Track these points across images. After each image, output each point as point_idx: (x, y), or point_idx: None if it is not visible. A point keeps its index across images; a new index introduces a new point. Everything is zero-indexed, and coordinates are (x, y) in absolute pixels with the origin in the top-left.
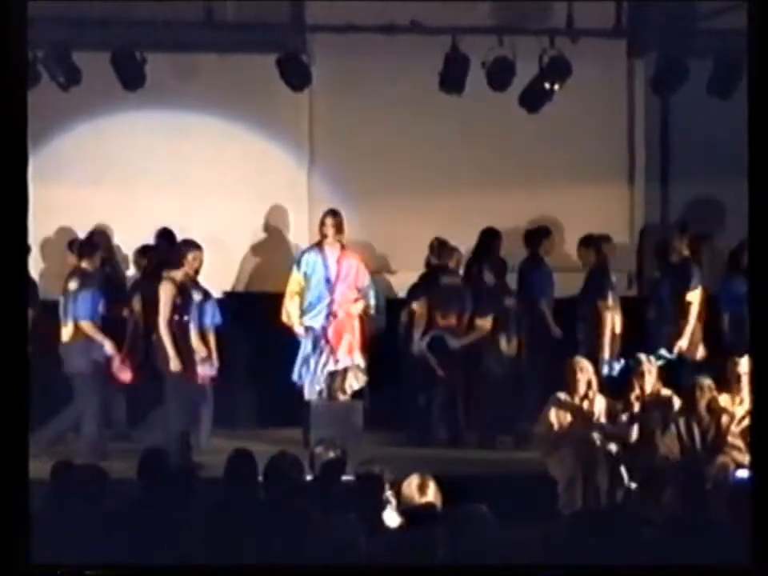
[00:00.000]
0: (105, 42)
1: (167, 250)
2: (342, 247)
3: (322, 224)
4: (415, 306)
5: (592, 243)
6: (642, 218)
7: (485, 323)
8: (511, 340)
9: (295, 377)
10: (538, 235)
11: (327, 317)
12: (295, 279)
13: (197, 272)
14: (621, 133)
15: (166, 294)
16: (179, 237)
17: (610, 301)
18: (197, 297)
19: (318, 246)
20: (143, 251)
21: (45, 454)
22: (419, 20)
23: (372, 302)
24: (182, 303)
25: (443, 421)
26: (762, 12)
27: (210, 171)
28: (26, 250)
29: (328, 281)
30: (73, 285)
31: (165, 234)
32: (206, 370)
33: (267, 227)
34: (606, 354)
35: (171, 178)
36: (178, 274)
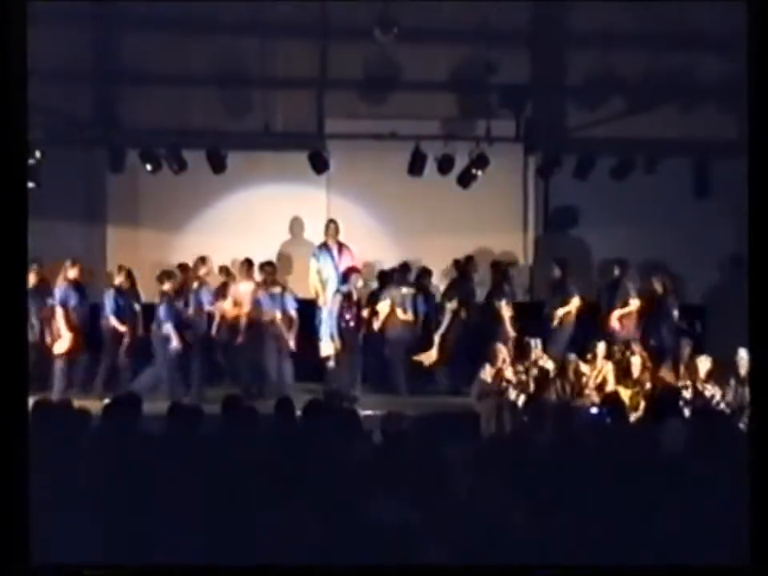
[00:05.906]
0: (201, 144)
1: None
2: (340, 244)
3: (327, 229)
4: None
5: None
6: (531, 253)
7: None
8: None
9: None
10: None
11: (336, 292)
12: (313, 266)
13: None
14: (519, 200)
15: (336, 301)
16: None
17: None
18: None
19: (325, 244)
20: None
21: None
22: (396, 131)
23: (360, 283)
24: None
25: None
26: (760, 13)
27: (263, 218)
28: (25, 255)
29: (335, 266)
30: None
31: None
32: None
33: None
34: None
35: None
36: (344, 288)
